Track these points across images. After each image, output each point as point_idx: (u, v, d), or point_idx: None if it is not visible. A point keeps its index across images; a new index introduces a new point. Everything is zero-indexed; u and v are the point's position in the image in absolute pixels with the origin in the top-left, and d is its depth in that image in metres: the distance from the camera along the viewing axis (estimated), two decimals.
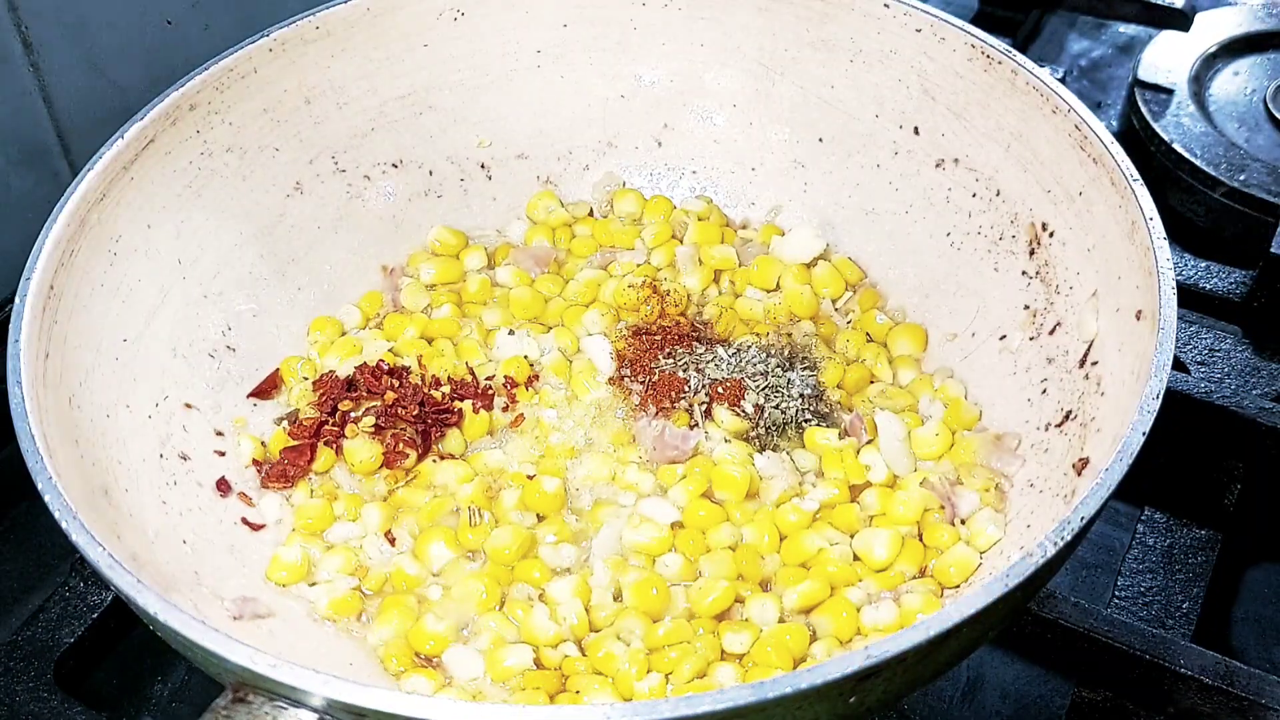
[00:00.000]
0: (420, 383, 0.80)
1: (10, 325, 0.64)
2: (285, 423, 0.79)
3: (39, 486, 0.57)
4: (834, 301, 0.86)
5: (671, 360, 0.81)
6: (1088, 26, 1.28)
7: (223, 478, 0.74)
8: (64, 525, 0.55)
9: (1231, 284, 0.96)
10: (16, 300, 0.65)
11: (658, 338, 0.83)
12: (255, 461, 0.77)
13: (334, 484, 0.77)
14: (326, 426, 0.78)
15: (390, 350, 0.83)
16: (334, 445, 0.77)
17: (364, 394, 0.79)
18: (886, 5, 0.82)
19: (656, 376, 0.80)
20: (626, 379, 0.81)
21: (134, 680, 0.76)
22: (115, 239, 0.73)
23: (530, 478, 0.75)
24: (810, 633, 0.68)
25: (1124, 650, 0.70)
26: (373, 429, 0.77)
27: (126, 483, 0.67)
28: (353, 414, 0.78)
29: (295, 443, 0.77)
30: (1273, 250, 0.91)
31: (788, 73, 0.89)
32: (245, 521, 0.73)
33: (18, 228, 0.89)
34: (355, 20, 0.84)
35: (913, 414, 0.78)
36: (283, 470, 0.76)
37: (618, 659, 0.66)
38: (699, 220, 0.90)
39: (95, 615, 0.75)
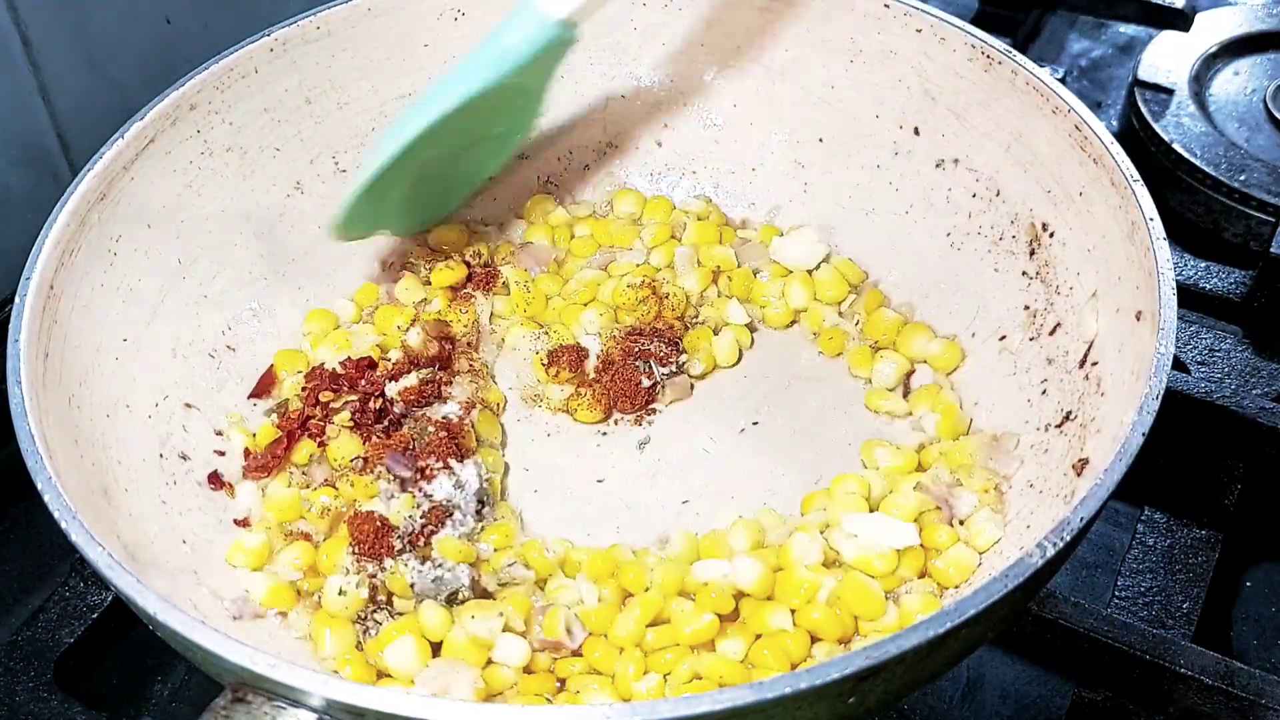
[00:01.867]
0: None
1: (10, 325, 0.64)
2: (274, 415, 0.78)
3: (39, 486, 0.57)
4: (837, 305, 0.85)
5: (642, 361, 0.81)
6: (1088, 26, 1.28)
7: (214, 471, 0.74)
8: (64, 525, 0.56)
9: (1231, 284, 0.95)
10: (16, 300, 0.65)
11: (645, 339, 0.82)
12: (247, 452, 0.76)
13: (311, 476, 0.75)
14: (313, 421, 0.76)
15: (377, 345, 0.82)
16: (316, 437, 0.76)
17: (345, 388, 0.78)
18: (886, 5, 0.82)
19: (610, 376, 0.80)
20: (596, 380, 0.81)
21: (134, 680, 0.76)
22: (115, 239, 0.73)
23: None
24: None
25: (1124, 650, 0.70)
26: (350, 424, 0.76)
27: (126, 483, 0.67)
28: (332, 405, 0.77)
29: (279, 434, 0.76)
30: (1273, 250, 0.91)
31: (788, 73, 0.89)
32: (238, 523, 0.73)
33: (18, 228, 0.89)
34: (356, 20, 0.84)
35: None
36: (264, 461, 0.75)
37: (617, 659, 0.66)
38: (698, 220, 0.90)
39: (95, 615, 0.74)
